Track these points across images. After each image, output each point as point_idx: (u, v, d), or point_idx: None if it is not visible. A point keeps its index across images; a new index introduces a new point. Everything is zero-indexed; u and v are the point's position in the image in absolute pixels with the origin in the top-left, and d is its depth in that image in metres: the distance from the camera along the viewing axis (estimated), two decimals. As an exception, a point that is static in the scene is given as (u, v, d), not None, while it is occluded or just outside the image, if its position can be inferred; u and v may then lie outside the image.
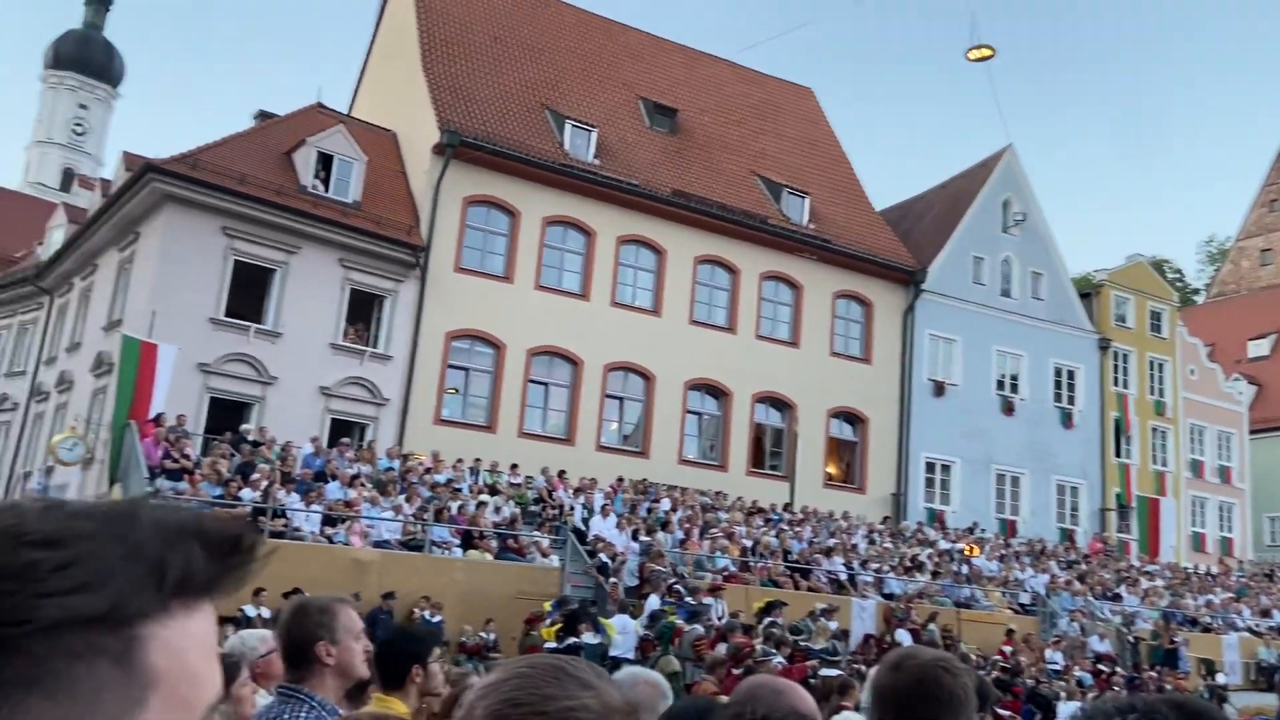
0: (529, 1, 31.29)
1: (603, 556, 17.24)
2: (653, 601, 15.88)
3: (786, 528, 22.28)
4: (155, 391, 17.99)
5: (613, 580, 16.66)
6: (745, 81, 34.56)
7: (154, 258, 21.26)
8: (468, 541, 17.12)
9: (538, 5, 31.42)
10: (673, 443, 26.29)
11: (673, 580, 16.67)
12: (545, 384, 25.15)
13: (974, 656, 17.61)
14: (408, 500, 17.51)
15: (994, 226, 32.47)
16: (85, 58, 79.15)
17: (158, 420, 17.46)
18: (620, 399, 26.19)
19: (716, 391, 27.45)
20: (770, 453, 28.19)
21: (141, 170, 21.40)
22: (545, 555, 17.58)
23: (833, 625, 17.08)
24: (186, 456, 16.77)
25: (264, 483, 16.12)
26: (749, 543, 20.48)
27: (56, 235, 29.52)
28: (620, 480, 22.33)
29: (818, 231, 29.44)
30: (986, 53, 19.17)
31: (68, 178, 74.04)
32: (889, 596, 20.53)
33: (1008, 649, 19.24)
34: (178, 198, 21.02)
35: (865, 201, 33.16)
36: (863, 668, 13.75)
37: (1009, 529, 29.82)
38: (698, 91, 32.49)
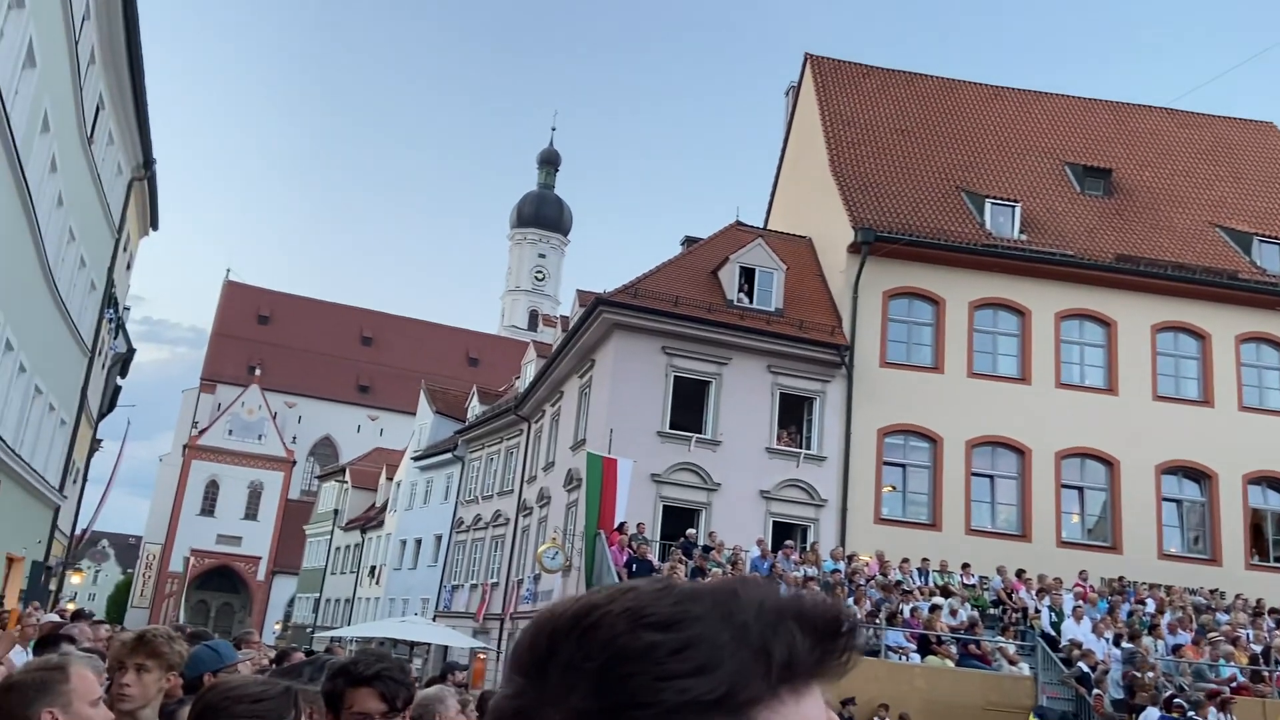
0: (933, 89, 30.99)
1: (1081, 665, 15.48)
2: (1150, 715, 13.88)
3: (1310, 632, 18.53)
4: (617, 502, 19.63)
5: (1096, 692, 14.86)
6: (1188, 126, 31.06)
7: (607, 381, 23.49)
8: (924, 646, 16.30)
9: (942, 90, 31.00)
10: (1149, 535, 23.32)
11: (1171, 693, 14.48)
12: (990, 476, 23.68)
13: None
14: (856, 603, 17.14)
15: None
16: (541, 214, 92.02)
17: (621, 529, 18.96)
18: (1079, 488, 23.86)
19: (1197, 474, 24.02)
20: (1274, 542, 23.95)
21: (593, 304, 23.94)
22: (1013, 663, 16.19)
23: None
24: (648, 562, 17.95)
25: (718, 586, 16.70)
26: (1259, 648, 17.37)
27: (529, 369, 33.95)
28: (1082, 575, 20.11)
29: (1306, 280, 25.13)
30: None
31: (533, 318, 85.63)
32: None
33: None
34: (624, 324, 23.17)
35: (1367, 237, 27.79)
36: None
37: None
38: (1132, 146, 29.77)
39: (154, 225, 29.73)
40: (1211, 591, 20.73)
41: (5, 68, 12.75)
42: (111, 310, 25.86)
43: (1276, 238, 26.21)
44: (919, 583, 18.98)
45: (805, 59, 31.12)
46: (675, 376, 23.15)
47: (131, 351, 33.14)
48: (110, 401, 32.60)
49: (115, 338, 29.01)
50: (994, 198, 25.94)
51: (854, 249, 24.33)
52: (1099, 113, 31.33)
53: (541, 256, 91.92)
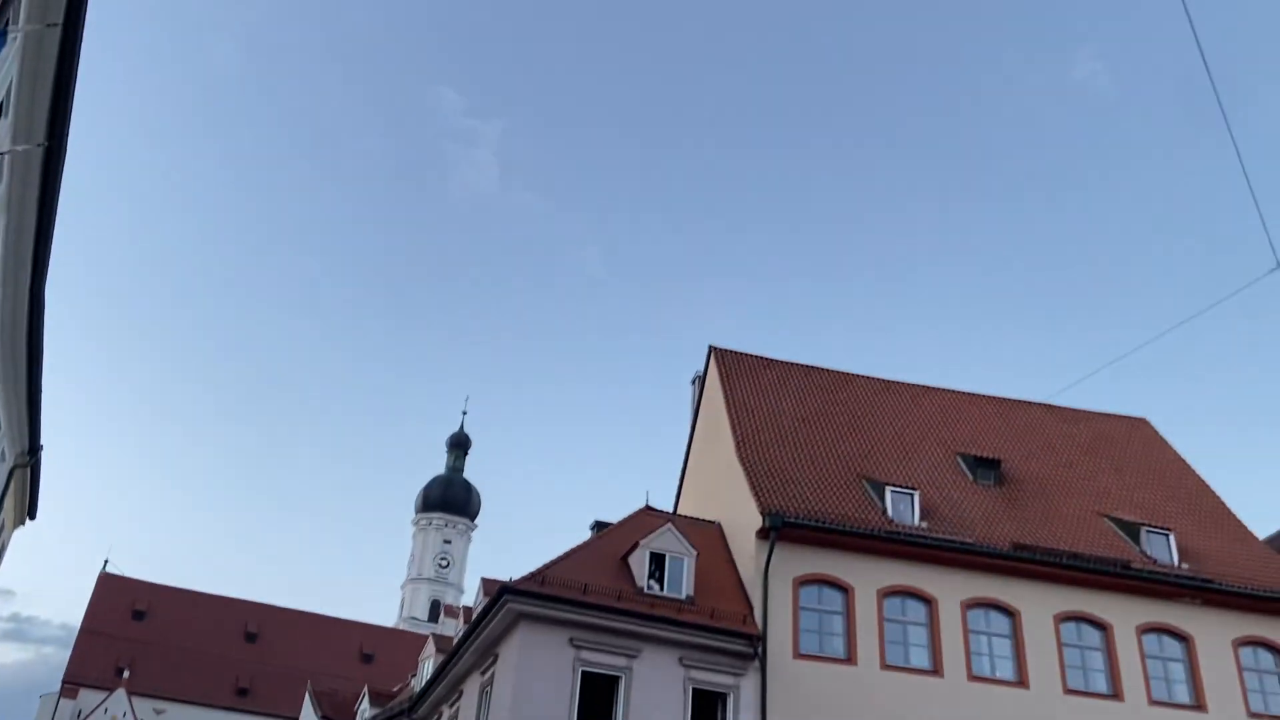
0: (829, 381, 32.59)
1: None
2: None
3: None
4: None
5: None
6: (1067, 421, 33.07)
7: (510, 677, 22.10)
8: None
9: (838, 383, 32.60)
10: (1078, 842, 22.08)
11: None
12: (912, 777, 22.49)
13: None
14: None
15: None
16: (449, 498, 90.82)
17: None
18: (1003, 789, 22.77)
19: (1117, 772, 23.24)
20: None
21: (497, 593, 22.98)
22: None
23: None
24: None
25: None
26: None
27: (427, 666, 31.95)
28: None
29: (1194, 571, 25.89)
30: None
31: (435, 609, 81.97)
32: None
33: None
34: (529, 615, 22.18)
35: (1244, 530, 29.13)
36: None
37: None
38: (1018, 439, 31.36)
39: (32, 514, 28.17)
40: None
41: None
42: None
43: (1164, 528, 27.22)
44: None
45: (710, 351, 32.66)
46: (583, 671, 21.96)
47: (-14, 651, 30.14)
48: (-47, 708, 29.17)
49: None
50: (894, 485, 26.61)
51: (763, 534, 24.32)
52: (984, 406, 33.20)
53: (447, 543, 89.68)
